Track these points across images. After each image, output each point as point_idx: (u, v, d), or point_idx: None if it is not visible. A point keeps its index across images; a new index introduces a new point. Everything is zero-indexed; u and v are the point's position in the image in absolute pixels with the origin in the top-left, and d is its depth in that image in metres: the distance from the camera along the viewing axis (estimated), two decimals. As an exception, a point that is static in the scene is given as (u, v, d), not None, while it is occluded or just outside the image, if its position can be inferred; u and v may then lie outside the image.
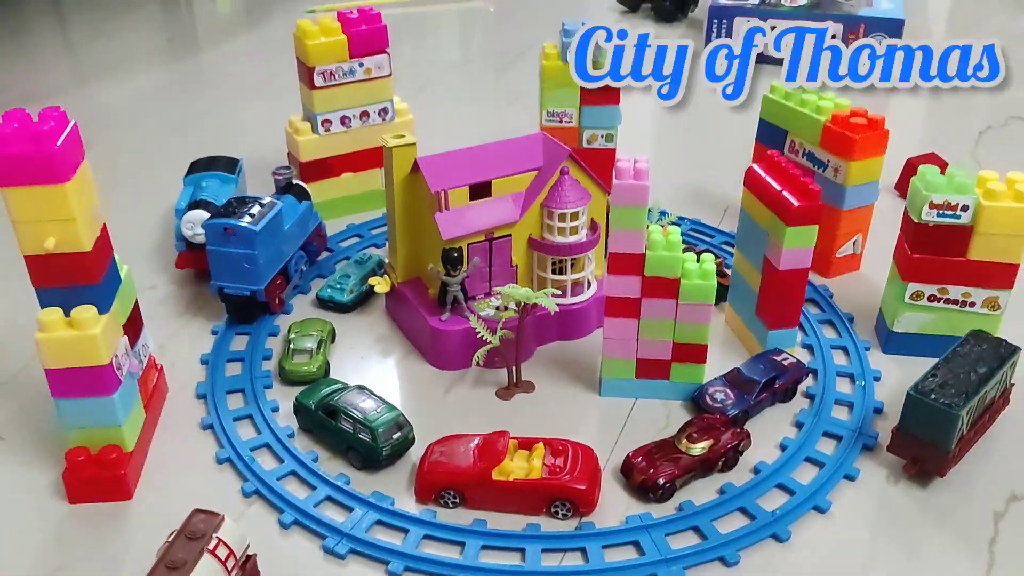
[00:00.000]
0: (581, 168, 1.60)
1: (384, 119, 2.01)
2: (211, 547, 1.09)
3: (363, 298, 1.75)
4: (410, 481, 1.37)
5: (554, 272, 1.63)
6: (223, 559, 1.09)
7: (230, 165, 1.94)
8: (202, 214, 1.76)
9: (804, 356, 1.63)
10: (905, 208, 1.58)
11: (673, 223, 1.84)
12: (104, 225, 1.32)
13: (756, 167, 1.58)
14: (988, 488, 1.37)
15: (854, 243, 1.84)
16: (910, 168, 2.13)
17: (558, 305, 1.51)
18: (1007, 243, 1.51)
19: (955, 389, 1.33)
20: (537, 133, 1.65)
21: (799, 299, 1.56)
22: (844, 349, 1.65)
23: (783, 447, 1.43)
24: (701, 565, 1.25)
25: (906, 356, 1.63)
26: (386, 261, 1.74)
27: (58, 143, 1.16)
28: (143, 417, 1.41)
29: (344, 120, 1.97)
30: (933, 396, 1.32)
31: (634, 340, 1.49)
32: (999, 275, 1.54)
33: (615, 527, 1.29)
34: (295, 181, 1.83)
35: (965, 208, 1.50)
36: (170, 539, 1.10)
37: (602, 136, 2.10)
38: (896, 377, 1.59)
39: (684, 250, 1.45)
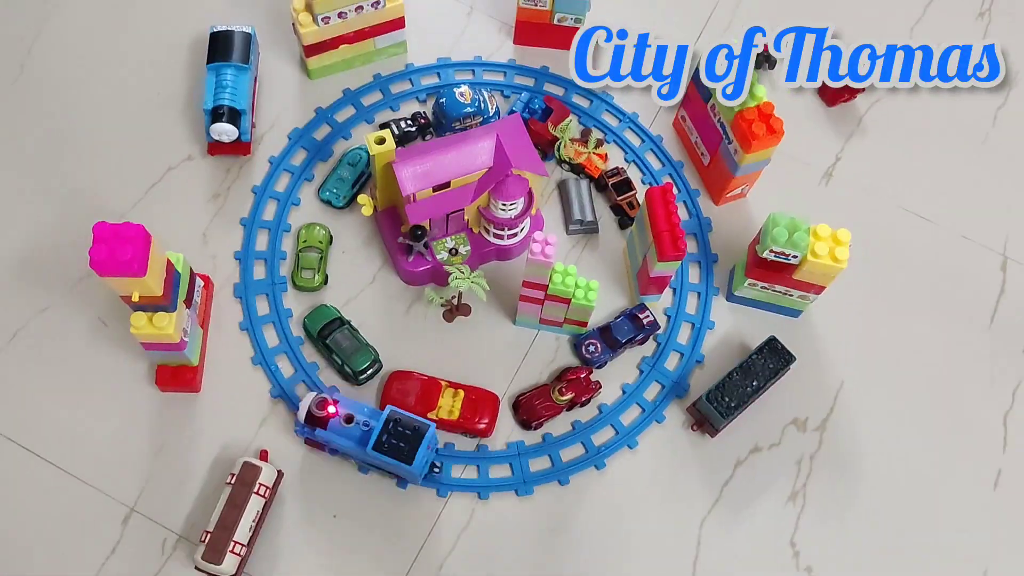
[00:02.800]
0: (523, 169, 2.07)
1: (376, 8, 2.31)
2: (257, 490, 1.91)
3: (353, 199, 2.30)
4: (377, 396, 2.13)
5: (496, 228, 2.19)
6: (263, 494, 1.92)
7: (243, 50, 2.29)
8: (226, 127, 2.22)
9: (668, 296, 2.27)
10: (759, 233, 2.10)
11: (602, 143, 2.31)
12: (168, 262, 1.88)
13: (655, 194, 2.06)
14: (741, 440, 2.15)
15: (742, 188, 2.34)
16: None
17: (497, 244, 2.12)
18: (820, 279, 2.08)
19: (731, 401, 2.04)
20: (493, 132, 2.06)
21: (664, 286, 2.17)
22: (698, 294, 2.28)
23: (623, 391, 2.18)
24: (545, 485, 2.09)
25: (740, 306, 2.27)
26: (371, 189, 2.25)
27: (137, 262, 1.71)
28: (200, 334, 2.11)
29: (341, 15, 2.28)
30: (715, 405, 2.04)
31: (539, 313, 2.14)
32: (813, 288, 2.13)
33: (499, 451, 2.10)
34: None
35: (795, 256, 2.04)
36: (230, 481, 1.92)
37: (571, 18, 2.43)
38: (726, 327, 2.24)
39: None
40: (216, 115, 2.22)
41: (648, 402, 2.16)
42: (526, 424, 2.11)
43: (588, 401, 2.14)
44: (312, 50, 2.34)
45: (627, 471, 2.11)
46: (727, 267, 2.30)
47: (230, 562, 1.85)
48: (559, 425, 2.13)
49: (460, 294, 2.12)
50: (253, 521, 1.90)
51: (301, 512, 2.02)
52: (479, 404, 2.09)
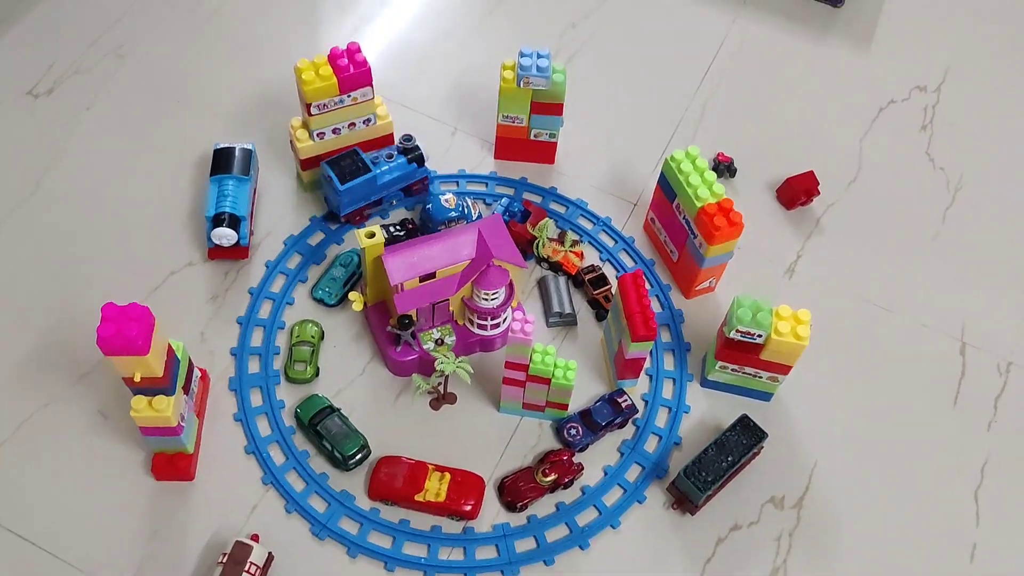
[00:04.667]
0: (502, 261, 2.22)
1: (368, 125, 2.51)
2: (247, 568, 1.96)
3: (345, 298, 2.44)
4: (366, 481, 2.20)
5: (479, 319, 2.32)
6: (253, 573, 1.97)
7: (244, 164, 2.48)
8: (225, 231, 2.38)
9: (644, 382, 2.37)
10: (726, 316, 2.23)
11: (577, 243, 2.47)
12: (169, 346, 2.00)
13: (627, 280, 2.20)
14: (721, 519, 2.20)
15: (710, 282, 2.49)
16: (787, 186, 2.68)
17: (481, 335, 2.24)
18: (785, 357, 2.19)
19: (707, 476, 2.12)
20: (475, 228, 2.22)
21: (639, 370, 2.28)
22: (674, 379, 2.39)
23: (605, 472, 2.25)
24: (531, 565, 2.13)
25: (714, 391, 2.38)
26: (361, 285, 2.39)
27: (142, 340, 1.82)
28: (196, 423, 2.20)
29: (335, 131, 2.48)
30: (692, 480, 2.12)
31: (521, 397, 2.24)
32: (779, 368, 2.24)
33: (486, 533, 2.16)
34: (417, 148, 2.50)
35: (760, 335, 2.16)
36: (222, 561, 1.96)
37: (547, 134, 2.63)
38: (701, 411, 2.34)
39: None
40: (217, 221, 2.38)
41: (629, 483, 2.23)
42: (511, 506, 2.17)
43: (571, 482, 2.21)
44: (308, 164, 2.53)
45: (611, 550, 2.16)
46: (699, 355, 2.42)
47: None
48: (544, 506, 2.20)
49: (446, 382, 2.23)
50: (242, 604, 1.94)
51: (291, 595, 2.06)
52: (465, 487, 2.16)
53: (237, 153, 2.50)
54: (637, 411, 2.31)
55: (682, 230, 2.40)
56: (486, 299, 2.24)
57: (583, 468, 2.22)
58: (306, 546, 2.12)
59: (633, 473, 2.25)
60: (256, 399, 2.29)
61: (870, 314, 2.52)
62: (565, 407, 2.25)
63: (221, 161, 2.49)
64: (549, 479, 2.18)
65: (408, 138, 2.49)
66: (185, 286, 2.44)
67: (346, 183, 2.41)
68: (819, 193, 2.66)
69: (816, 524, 2.21)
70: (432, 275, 2.20)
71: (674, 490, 2.18)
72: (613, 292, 2.46)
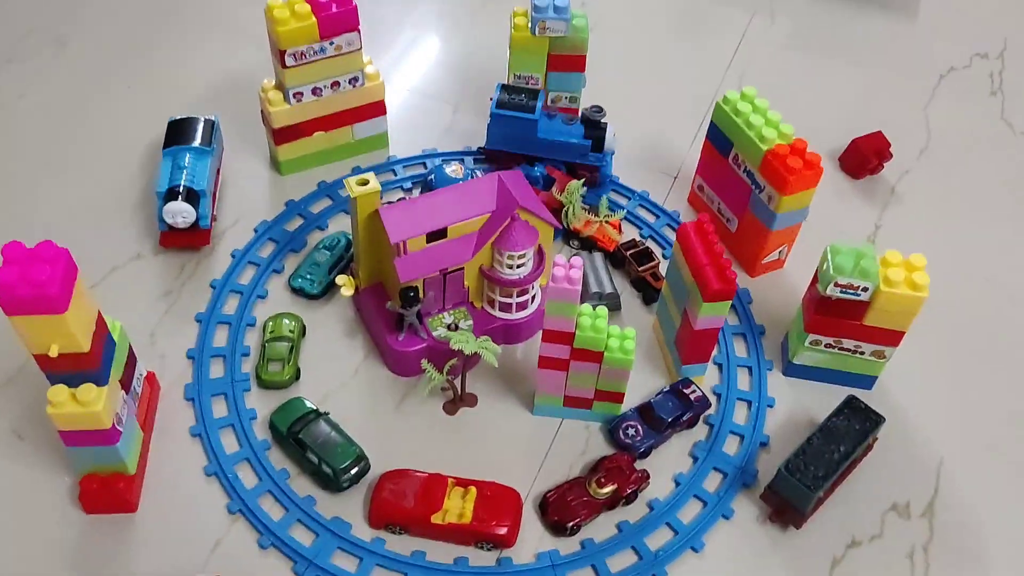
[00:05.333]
0: (530, 212, 1.75)
1: (355, 86, 2.08)
2: (206, 613, 1.40)
3: (331, 286, 1.95)
4: (365, 503, 1.66)
5: (502, 294, 1.83)
6: (214, 621, 1.41)
7: (206, 135, 2.03)
8: (181, 205, 1.90)
9: (714, 373, 1.88)
10: (815, 274, 1.76)
11: (624, 217, 2.02)
12: (99, 314, 1.50)
13: (689, 229, 1.74)
14: (833, 534, 1.68)
15: (780, 252, 2.02)
16: (854, 148, 2.26)
17: (504, 320, 1.74)
18: (897, 317, 1.72)
19: (816, 471, 1.61)
20: (493, 176, 1.77)
21: (710, 347, 1.79)
22: (749, 368, 1.90)
23: (677, 482, 1.73)
24: (592, 603, 1.59)
25: (801, 380, 1.88)
26: (353, 265, 1.91)
27: (56, 286, 1.32)
28: (141, 436, 1.67)
29: (315, 91, 2.04)
30: (798, 476, 1.60)
31: (563, 386, 1.73)
32: (888, 337, 1.76)
33: (528, 564, 1.62)
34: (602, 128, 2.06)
35: (865, 289, 1.69)
36: (174, 604, 1.42)
37: (566, 98, 2.20)
38: (788, 404, 1.85)
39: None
40: (171, 196, 1.92)
41: (709, 494, 1.71)
42: (559, 527, 1.64)
43: (635, 495, 1.69)
44: (283, 136, 2.09)
45: (694, 580, 1.62)
46: (777, 339, 1.94)
47: None
48: (600, 528, 1.67)
49: (464, 378, 1.74)
50: (199, 658, 1.38)
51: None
52: (497, 503, 1.63)
53: (197, 124, 2.06)
54: (710, 405, 1.81)
55: (742, 188, 1.96)
56: (511, 266, 1.77)
57: (648, 477, 1.70)
58: (287, 592, 1.58)
59: (712, 482, 1.74)
60: (220, 409, 1.78)
61: (971, 287, 2.06)
62: (619, 398, 1.75)
63: (177, 133, 2.04)
64: (606, 491, 1.66)
65: (598, 110, 2.07)
66: (130, 282, 1.95)
67: (501, 108, 2.01)
68: (891, 156, 2.24)
69: (954, 535, 1.70)
70: (442, 233, 1.73)
71: (771, 497, 1.66)
72: (663, 272, 2.00)
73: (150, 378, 1.75)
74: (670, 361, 1.87)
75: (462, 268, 1.78)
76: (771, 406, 1.84)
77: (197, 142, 2.02)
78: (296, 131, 2.09)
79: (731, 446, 1.79)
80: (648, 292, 1.98)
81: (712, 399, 1.83)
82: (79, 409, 1.47)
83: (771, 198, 1.89)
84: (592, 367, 1.68)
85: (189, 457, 1.71)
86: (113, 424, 1.53)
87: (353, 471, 1.66)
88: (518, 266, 1.77)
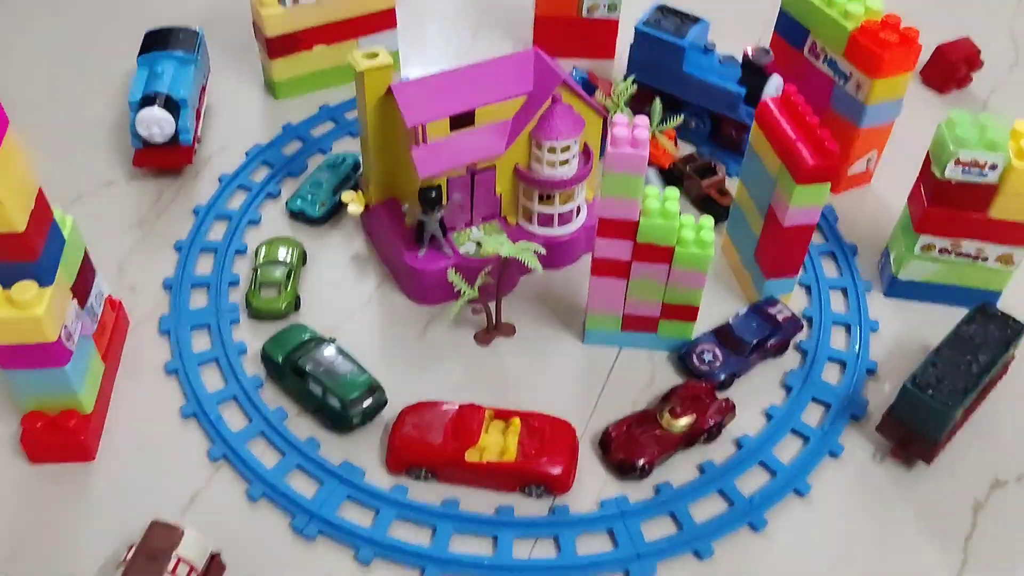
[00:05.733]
0: (574, 92, 1.44)
1: (360, -13, 1.79)
2: (170, 567, 1.06)
3: (336, 209, 1.64)
4: (382, 445, 1.33)
5: (541, 202, 1.51)
6: (184, 577, 1.07)
7: (188, 44, 1.74)
8: (157, 112, 1.61)
9: (801, 296, 1.55)
10: (928, 156, 1.44)
11: (678, 127, 1.70)
12: (40, 192, 1.18)
13: (771, 105, 1.42)
14: (972, 473, 1.34)
15: (868, 160, 1.71)
16: (940, 56, 1.95)
17: (545, 235, 1.41)
18: (1033, 202, 1.39)
19: (952, 385, 1.27)
20: (528, 51, 1.46)
21: (802, 252, 1.46)
22: (844, 290, 1.57)
23: (769, 416, 1.39)
24: (672, 558, 1.23)
25: (907, 301, 1.55)
26: (361, 174, 1.60)
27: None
28: (102, 370, 1.34)
29: (314, -9, 1.75)
30: (930, 392, 1.26)
31: (621, 299, 1.40)
32: (1018, 233, 1.43)
33: (589, 514, 1.27)
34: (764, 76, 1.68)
35: (994, 167, 1.36)
36: (127, 556, 1.07)
37: (604, 5, 1.91)
38: (895, 329, 1.52)
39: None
40: (146, 102, 1.61)
41: (811, 428, 1.37)
42: (625, 467, 1.30)
43: (718, 430, 1.34)
44: (277, 47, 1.79)
45: (802, 530, 1.27)
46: (871, 260, 1.61)
47: None
48: (677, 469, 1.32)
49: (499, 305, 1.41)
50: (164, 627, 1.03)
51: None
52: (547, 438, 1.29)
53: (177, 32, 1.77)
54: (801, 326, 1.47)
55: (822, 83, 1.65)
56: (552, 163, 1.45)
57: (734, 407, 1.36)
58: (284, 548, 1.23)
59: (813, 415, 1.39)
60: (202, 344, 1.45)
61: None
62: (692, 315, 1.42)
63: (154, 41, 1.75)
64: (683, 423, 1.32)
65: (765, 52, 1.69)
66: (98, 211, 1.64)
67: (648, 27, 1.70)
68: (981, 63, 1.94)
69: (1124, 472, 1.34)
70: (469, 119, 1.42)
71: (893, 425, 1.32)
72: (730, 175, 1.68)
73: (114, 305, 1.42)
74: (748, 282, 1.54)
75: (493, 167, 1.46)
76: (875, 330, 1.51)
77: (178, 50, 1.72)
78: (292, 42, 1.80)
79: (831, 374, 1.45)
80: (715, 210, 1.65)
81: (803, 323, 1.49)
82: (15, 313, 1.15)
83: (860, 86, 1.58)
84: (659, 270, 1.35)
85: (162, 397, 1.38)
86: (60, 339, 1.20)
87: (366, 403, 1.32)
88: (560, 163, 1.46)
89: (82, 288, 1.29)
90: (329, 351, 1.36)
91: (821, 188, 1.36)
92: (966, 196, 1.40)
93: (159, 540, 1.07)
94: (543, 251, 1.39)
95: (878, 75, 1.55)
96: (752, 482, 1.31)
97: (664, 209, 1.29)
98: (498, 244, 1.37)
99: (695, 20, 1.71)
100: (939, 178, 1.39)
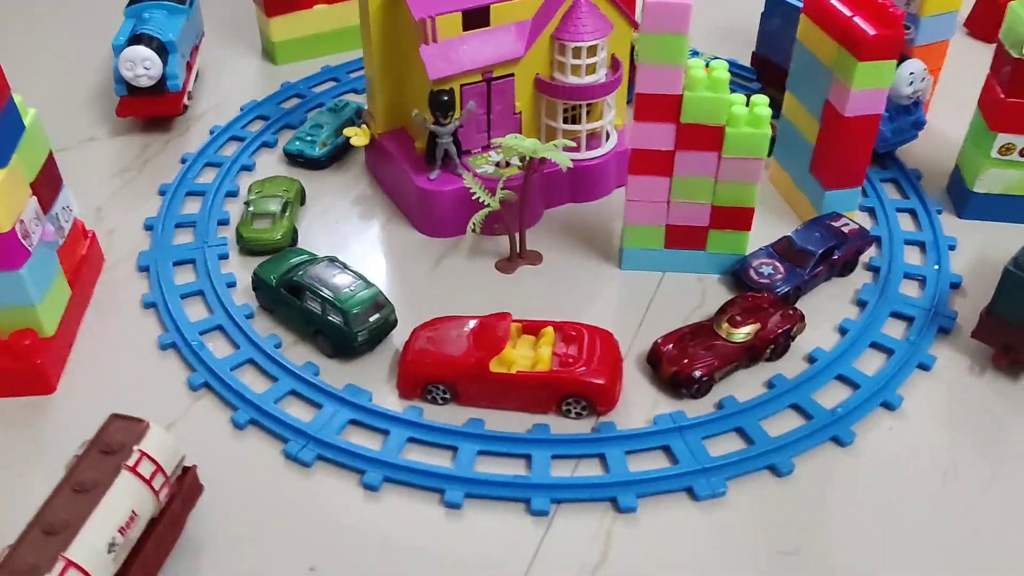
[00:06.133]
0: (599, -8, 1.30)
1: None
2: (131, 463, 0.85)
3: (338, 152, 1.48)
4: (391, 372, 1.13)
5: (566, 121, 1.35)
6: (147, 477, 0.86)
7: (179, -5, 1.63)
8: (143, 50, 1.47)
9: (865, 222, 1.36)
10: (999, 41, 1.29)
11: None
12: (-6, 57, 1.04)
13: (817, -10, 1.28)
14: (1093, 382, 1.13)
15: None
16: (987, 2, 1.82)
17: (571, 160, 1.23)
18: None
19: (1065, 263, 1.07)
20: (547, -52, 1.33)
21: (866, 152, 1.29)
22: (912, 212, 1.38)
23: (843, 331, 1.19)
24: (747, 475, 1.01)
25: (987, 221, 1.36)
26: (365, 108, 1.45)
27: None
28: (67, 295, 1.16)
29: (315, -63, 1.64)
30: (1042, 275, 1.07)
31: (664, 203, 1.22)
32: (1110, 123, 1.26)
33: (641, 429, 1.06)
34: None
35: (1080, 40, 1.20)
36: (80, 452, 0.87)
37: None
38: (975, 247, 1.33)
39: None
40: (133, 42, 1.48)
41: (896, 341, 1.17)
42: (680, 380, 1.09)
43: (786, 342, 1.14)
44: (275, 3, 1.67)
45: (896, 445, 1.06)
46: (938, 184, 1.44)
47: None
48: (742, 385, 1.11)
49: (529, 161, 1.22)
50: (119, 530, 0.82)
51: (244, 560, 0.93)
52: (587, 346, 1.09)
53: (168, -12, 1.65)
54: (871, 238, 1.28)
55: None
56: (576, 69, 1.30)
57: (803, 316, 1.16)
58: (276, 476, 1.02)
59: (894, 328, 1.19)
60: (185, 278, 1.27)
61: None
62: (747, 221, 1.24)
63: (141, -4, 1.63)
64: (745, 331, 1.12)
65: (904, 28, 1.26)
66: (77, 165, 1.49)
67: None
68: (1033, 7, 1.79)
69: None
70: (484, 18, 1.28)
71: (992, 326, 1.12)
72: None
73: (86, 233, 1.25)
74: (805, 204, 1.37)
75: (512, 76, 1.31)
76: (953, 247, 1.32)
77: (169, 1, 1.60)
78: (292, -1, 1.68)
79: (910, 289, 1.25)
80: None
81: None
82: (-41, 191, 0.98)
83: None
84: (708, 160, 1.17)
85: (137, 330, 1.20)
86: (15, 232, 1.02)
87: (372, 317, 1.13)
88: (587, 69, 1.30)
89: (46, 190, 1.12)
90: (329, 267, 1.18)
91: (886, 66, 1.20)
92: (1049, 80, 1.24)
93: (118, 433, 0.87)
94: (571, 143, 1.22)
95: None
96: (832, 397, 1.11)
97: (712, 79, 1.13)
98: (520, 146, 1.20)
99: None
100: (1017, 57, 1.23)
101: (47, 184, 1.13)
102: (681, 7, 1.07)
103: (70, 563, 0.77)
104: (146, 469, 0.86)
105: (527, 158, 1.22)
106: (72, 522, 0.79)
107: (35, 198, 1.09)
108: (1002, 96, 1.27)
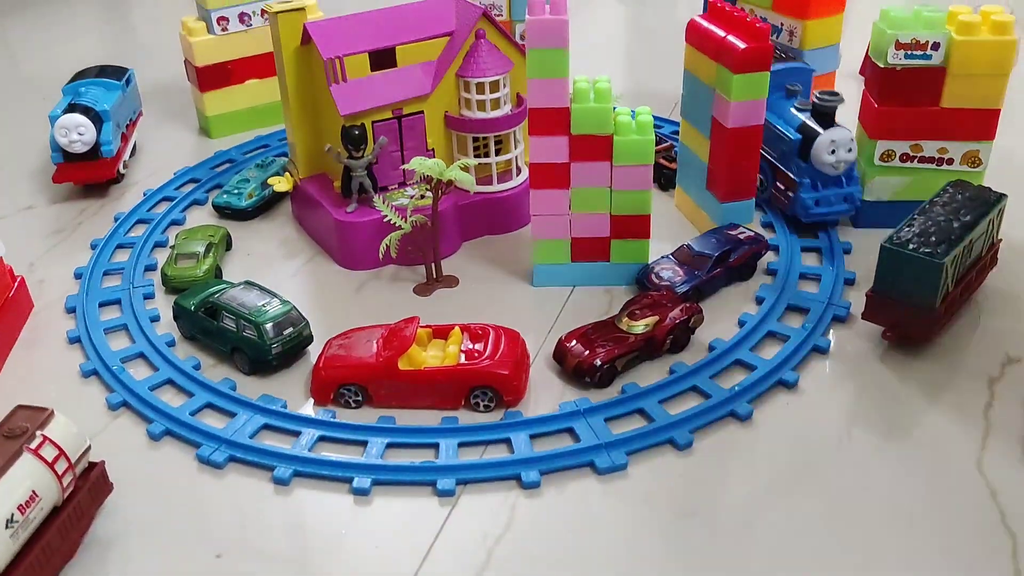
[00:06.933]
0: (499, 32, 1.40)
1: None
2: (33, 445, 0.88)
3: (265, 204, 1.55)
4: (306, 385, 1.17)
5: (477, 154, 1.43)
6: (50, 461, 0.88)
7: (115, 74, 1.72)
8: (77, 117, 1.55)
9: (765, 234, 1.43)
10: (867, 55, 1.39)
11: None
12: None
13: (698, 19, 1.38)
14: (979, 352, 1.18)
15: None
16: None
17: (483, 194, 1.31)
18: (984, 85, 1.32)
19: (936, 238, 1.14)
20: (451, 1, 1.44)
21: (753, 163, 1.37)
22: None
23: (741, 323, 1.24)
24: (647, 449, 1.05)
25: (881, 229, 1.43)
26: (288, 158, 1.53)
27: None
28: (-10, 330, 1.20)
29: (243, 17, 1.76)
30: (911, 247, 1.13)
31: (566, 216, 1.29)
32: (977, 124, 1.35)
33: (545, 415, 1.09)
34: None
35: (936, 46, 1.31)
36: (-17, 439, 0.89)
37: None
38: (869, 249, 1.39)
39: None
40: (69, 111, 1.57)
41: (791, 328, 1.22)
42: (583, 369, 1.14)
43: (685, 334, 1.20)
44: (208, 78, 1.77)
45: (794, 418, 1.10)
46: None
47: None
48: (645, 375, 1.16)
49: (437, 183, 1.29)
50: (19, 508, 0.84)
51: (154, 554, 0.95)
52: (493, 342, 1.14)
53: (104, 69, 1.75)
54: (766, 244, 1.36)
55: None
56: (482, 104, 1.39)
57: (700, 310, 1.22)
58: (189, 479, 1.04)
59: (792, 320, 1.25)
60: (110, 314, 1.31)
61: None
62: (645, 229, 1.31)
63: (81, 76, 1.73)
64: (643, 323, 1.17)
65: (832, 96, 1.38)
66: (15, 231, 1.54)
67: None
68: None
69: None
70: (390, 59, 1.37)
71: (879, 305, 1.18)
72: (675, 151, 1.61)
73: (12, 275, 1.30)
74: (706, 220, 1.44)
75: (421, 112, 1.40)
76: (848, 251, 1.39)
77: (105, 79, 1.70)
78: (223, 74, 1.78)
79: (809, 288, 1.31)
80: (665, 176, 1.57)
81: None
82: None
83: (793, 33, 1.58)
84: (601, 169, 1.25)
85: (62, 362, 1.23)
86: (-66, 257, 1.07)
87: (287, 331, 1.17)
88: (491, 104, 1.39)
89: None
90: (246, 289, 1.23)
91: (760, 77, 1.29)
92: (915, 85, 1.34)
93: (22, 420, 0.90)
94: (475, 163, 1.30)
95: (807, 15, 1.56)
96: (730, 381, 1.15)
97: (597, 90, 1.21)
98: (431, 168, 1.27)
99: (792, 58, 1.52)
100: (883, 67, 1.33)
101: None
102: (558, 23, 1.17)
103: (-37, 536, 0.79)
104: (48, 453, 0.88)
105: (434, 180, 1.29)
106: (-30, 496, 0.81)
107: (-43, 230, 1.14)
108: (876, 106, 1.37)
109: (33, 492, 0.86)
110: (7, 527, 0.83)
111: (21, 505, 0.84)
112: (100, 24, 2.32)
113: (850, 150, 1.36)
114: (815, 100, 1.39)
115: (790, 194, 1.40)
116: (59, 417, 0.92)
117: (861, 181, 1.42)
